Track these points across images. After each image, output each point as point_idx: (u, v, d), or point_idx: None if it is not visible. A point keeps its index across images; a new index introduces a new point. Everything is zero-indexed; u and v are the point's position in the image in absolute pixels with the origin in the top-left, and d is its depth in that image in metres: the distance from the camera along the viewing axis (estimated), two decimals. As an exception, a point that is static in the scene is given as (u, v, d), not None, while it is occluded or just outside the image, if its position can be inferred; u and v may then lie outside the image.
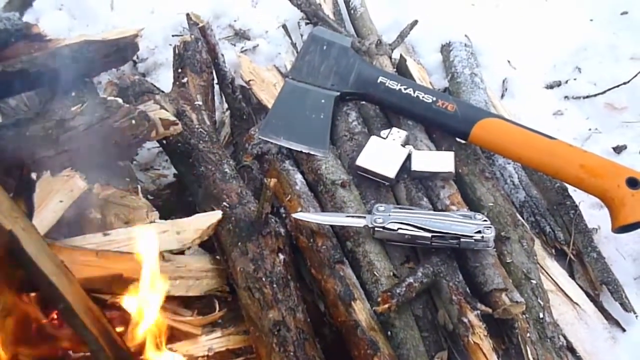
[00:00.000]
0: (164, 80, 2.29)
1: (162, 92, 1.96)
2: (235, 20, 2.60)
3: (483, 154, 1.81)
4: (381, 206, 1.56)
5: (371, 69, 1.90)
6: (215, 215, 1.60)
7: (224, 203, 1.63)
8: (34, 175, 1.44)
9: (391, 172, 1.68)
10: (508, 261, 1.55)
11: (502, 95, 2.25)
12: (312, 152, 1.74)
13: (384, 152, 1.71)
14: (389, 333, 1.43)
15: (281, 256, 1.54)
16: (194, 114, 1.84)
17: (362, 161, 1.70)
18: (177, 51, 2.03)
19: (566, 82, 2.28)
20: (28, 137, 1.55)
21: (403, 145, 1.73)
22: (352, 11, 2.39)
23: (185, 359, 1.41)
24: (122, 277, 1.41)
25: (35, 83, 1.81)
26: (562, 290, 1.63)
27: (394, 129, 1.78)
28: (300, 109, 1.81)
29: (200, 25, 2.08)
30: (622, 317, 1.62)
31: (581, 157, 1.67)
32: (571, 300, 1.61)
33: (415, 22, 2.22)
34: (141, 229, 1.48)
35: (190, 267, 1.55)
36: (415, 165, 1.69)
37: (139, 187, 1.73)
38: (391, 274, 1.52)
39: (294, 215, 1.60)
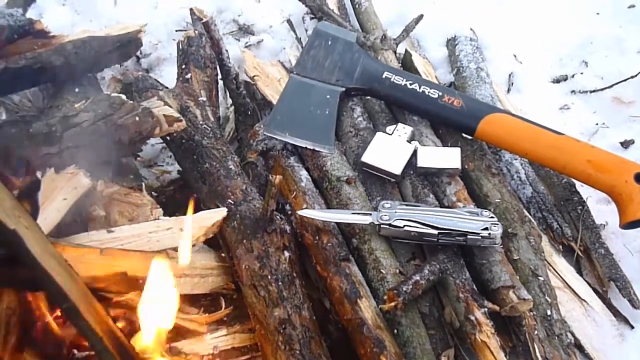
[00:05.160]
0: (168, 75, 2.28)
1: (166, 87, 1.95)
2: (239, 15, 2.58)
3: (489, 149, 1.80)
4: (387, 203, 1.55)
5: (376, 64, 1.89)
6: (220, 213, 1.58)
7: (229, 200, 1.62)
8: (39, 174, 1.43)
9: (397, 168, 1.67)
10: (515, 258, 1.55)
11: (508, 90, 2.23)
12: (317, 148, 1.74)
13: (389, 148, 1.70)
14: (395, 331, 1.42)
15: (286, 253, 1.53)
16: (198, 110, 1.83)
17: (367, 157, 1.69)
18: (180, 46, 2.03)
19: (572, 76, 2.27)
20: (32, 134, 1.55)
21: (409, 141, 1.73)
22: (356, 5, 2.38)
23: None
24: (127, 275, 1.40)
25: (38, 79, 1.81)
26: (570, 287, 1.62)
27: (400, 125, 1.77)
28: (305, 105, 1.81)
29: (204, 20, 2.06)
30: (630, 313, 1.61)
31: (588, 152, 1.65)
32: (579, 297, 1.61)
33: (421, 16, 2.21)
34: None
35: (195, 264, 1.53)
36: (421, 162, 1.68)
37: (142, 184, 1.72)
38: (397, 271, 1.51)
39: (299, 213, 1.59)
